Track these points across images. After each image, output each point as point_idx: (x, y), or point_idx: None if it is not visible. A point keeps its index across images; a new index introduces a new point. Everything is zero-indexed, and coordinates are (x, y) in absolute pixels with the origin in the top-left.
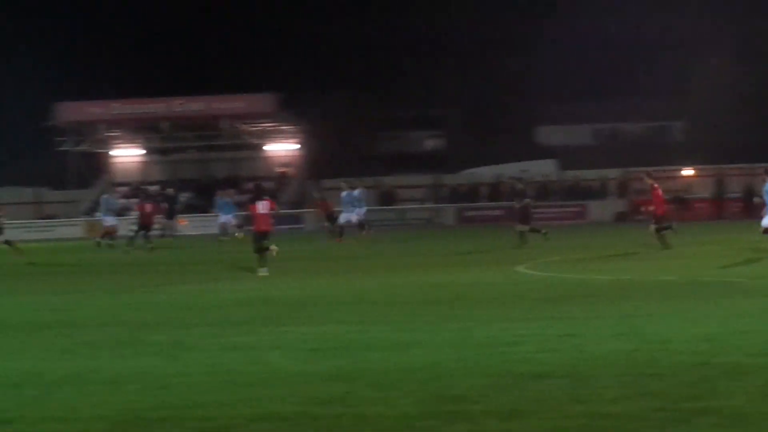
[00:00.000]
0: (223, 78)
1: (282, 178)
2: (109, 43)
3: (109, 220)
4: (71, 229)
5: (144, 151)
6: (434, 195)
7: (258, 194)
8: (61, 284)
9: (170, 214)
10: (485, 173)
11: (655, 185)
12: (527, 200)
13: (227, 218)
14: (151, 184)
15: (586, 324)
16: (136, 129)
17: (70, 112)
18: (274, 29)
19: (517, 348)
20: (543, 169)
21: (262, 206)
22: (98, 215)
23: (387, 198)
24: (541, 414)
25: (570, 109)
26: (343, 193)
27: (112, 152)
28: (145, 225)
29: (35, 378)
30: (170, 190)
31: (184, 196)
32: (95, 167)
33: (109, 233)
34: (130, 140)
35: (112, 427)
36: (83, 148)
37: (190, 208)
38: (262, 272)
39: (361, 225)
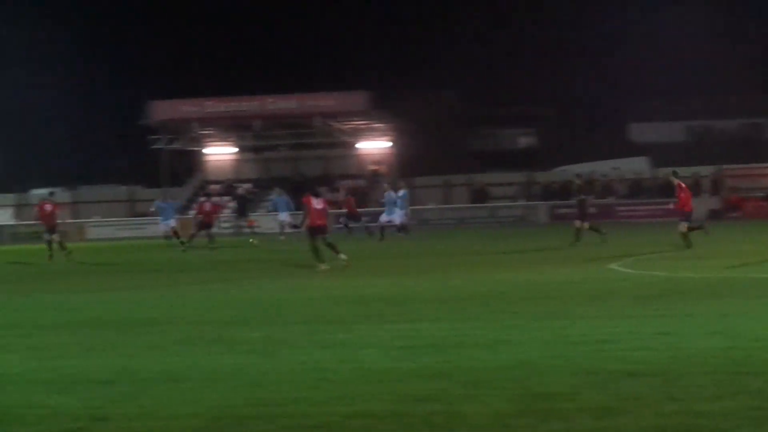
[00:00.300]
0: (316, 76)
1: (374, 176)
2: (202, 41)
3: (172, 222)
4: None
5: (236, 149)
6: (527, 192)
7: (314, 190)
8: (150, 281)
9: (240, 213)
10: (578, 171)
11: (682, 184)
12: (585, 197)
13: (284, 216)
14: (243, 182)
15: (680, 322)
16: (229, 127)
17: (164, 110)
18: (367, 27)
19: (611, 346)
20: (635, 166)
21: (317, 201)
22: (160, 220)
23: (479, 196)
24: (634, 412)
25: (663, 106)
26: (386, 194)
27: (204, 150)
28: (206, 224)
29: (128, 375)
30: (241, 190)
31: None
32: (188, 165)
33: (176, 234)
34: (223, 138)
35: (206, 424)
36: (176, 147)
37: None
38: (323, 267)
39: (402, 227)
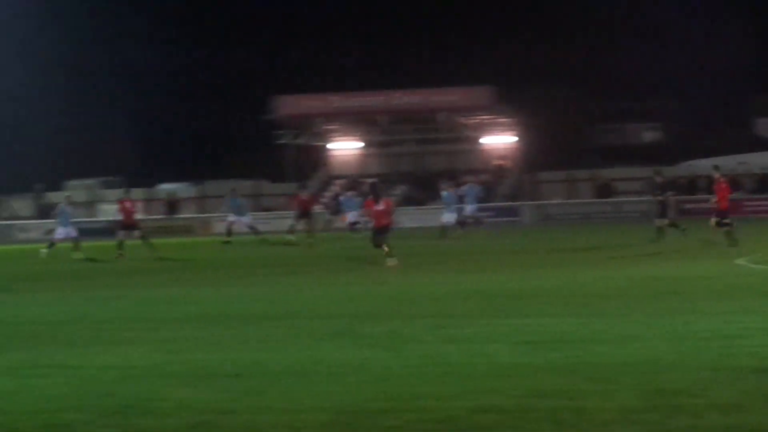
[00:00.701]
0: (441, 71)
1: (498, 171)
2: (328, 36)
3: (237, 219)
4: (289, 221)
5: (362, 144)
6: (652, 187)
7: (375, 192)
8: (275, 276)
9: (336, 210)
10: (704, 165)
11: (722, 179)
12: (666, 193)
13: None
14: (368, 176)
15: None
16: (354, 122)
17: (290, 105)
18: (491, 22)
19: (740, 341)
20: (763, 161)
21: (379, 203)
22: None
23: (604, 191)
24: (764, 409)
25: None
26: (444, 193)
27: (330, 145)
28: (304, 213)
29: (255, 369)
30: (337, 187)
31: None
32: (313, 160)
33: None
34: (348, 133)
35: (333, 418)
36: (302, 141)
37: (407, 201)
38: (391, 262)
39: (461, 222)
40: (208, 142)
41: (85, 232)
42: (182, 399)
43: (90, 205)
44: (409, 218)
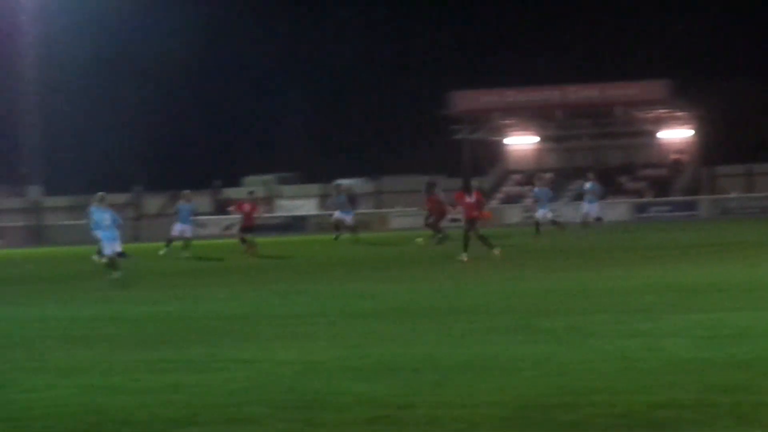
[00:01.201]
0: (617, 64)
1: (675, 165)
2: (503, 31)
3: (343, 215)
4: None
5: (537, 139)
6: None
7: (466, 186)
8: (446, 270)
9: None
10: None
11: None
12: None
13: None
14: (545, 171)
15: None
16: (530, 117)
17: (465, 100)
18: (667, 15)
19: None
20: None
21: (470, 196)
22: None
23: None
24: None
25: None
26: (535, 189)
27: (506, 140)
28: (437, 216)
29: (433, 363)
30: (475, 183)
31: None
32: (490, 155)
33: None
34: (524, 128)
35: (510, 414)
36: (478, 136)
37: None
38: (463, 257)
39: (598, 219)
40: (385, 137)
41: (263, 228)
42: (361, 393)
43: (268, 200)
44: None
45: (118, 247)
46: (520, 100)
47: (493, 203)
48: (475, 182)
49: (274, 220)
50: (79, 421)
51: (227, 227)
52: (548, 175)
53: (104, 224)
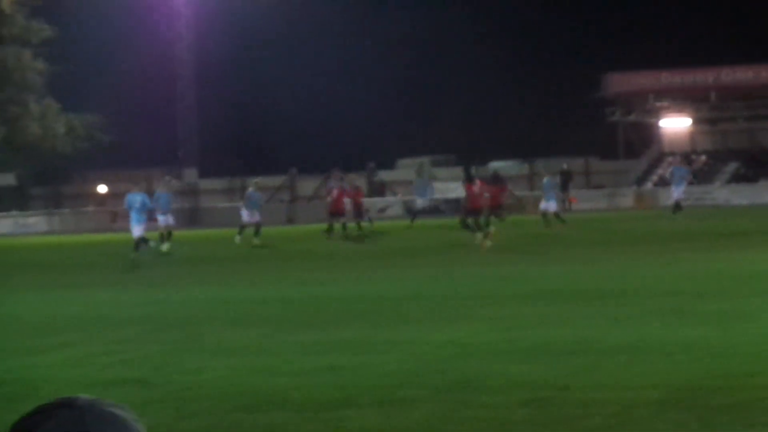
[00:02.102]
0: None
1: None
2: (658, 12)
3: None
4: (621, 199)
5: (691, 121)
6: None
7: (469, 176)
8: (612, 254)
9: (563, 189)
10: None
11: None
12: None
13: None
14: (699, 153)
15: None
16: (684, 99)
17: (620, 82)
18: None
19: None
20: None
21: (475, 186)
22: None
23: None
24: None
25: None
26: (673, 168)
27: (660, 122)
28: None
29: (588, 346)
30: (566, 165)
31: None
32: (644, 137)
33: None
34: (678, 110)
35: (664, 396)
36: (632, 119)
37: (738, 178)
38: (479, 239)
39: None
40: (539, 119)
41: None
42: (516, 375)
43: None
44: (739, 196)
45: (141, 232)
46: (675, 82)
47: (648, 186)
48: (473, 171)
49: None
50: (235, 401)
51: (381, 209)
52: (702, 158)
53: (136, 207)
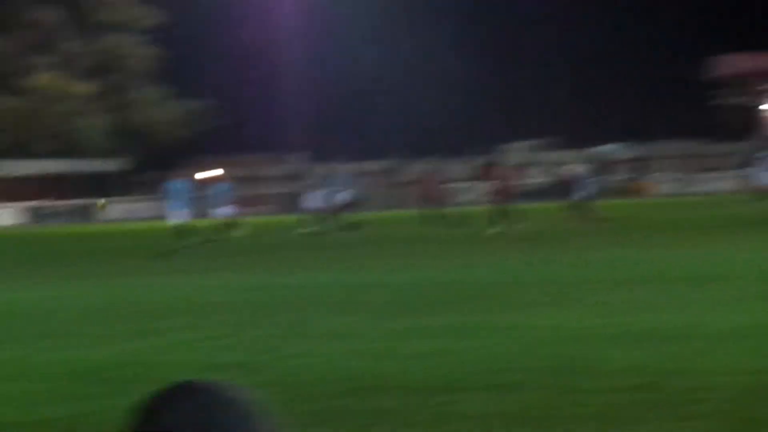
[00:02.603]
0: None
1: None
2: None
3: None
4: (725, 183)
5: None
6: None
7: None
8: (711, 237)
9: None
10: None
11: None
12: None
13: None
14: None
15: None
16: None
17: (729, 65)
18: None
19: None
20: None
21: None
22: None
23: None
24: None
25: None
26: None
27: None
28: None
29: (698, 330)
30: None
31: None
32: (753, 120)
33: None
34: None
35: None
36: (741, 101)
37: None
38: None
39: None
40: (645, 102)
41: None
42: (624, 360)
43: (527, 166)
44: None
45: (178, 218)
46: None
47: (751, 170)
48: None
49: (532, 186)
50: (342, 386)
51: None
52: None
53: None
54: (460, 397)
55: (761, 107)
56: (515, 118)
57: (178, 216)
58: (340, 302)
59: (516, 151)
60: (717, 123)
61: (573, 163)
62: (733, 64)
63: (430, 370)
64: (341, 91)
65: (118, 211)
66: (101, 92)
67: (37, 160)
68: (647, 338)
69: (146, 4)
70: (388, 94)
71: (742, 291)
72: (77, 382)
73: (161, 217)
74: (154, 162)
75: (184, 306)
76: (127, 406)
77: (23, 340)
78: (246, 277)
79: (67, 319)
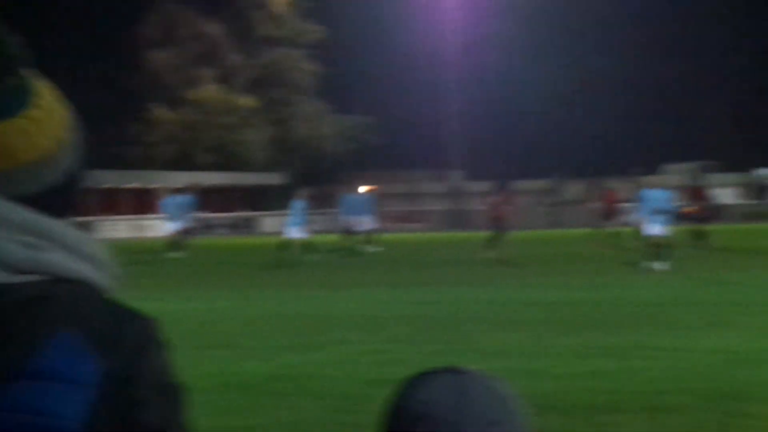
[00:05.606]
0: None
1: None
2: None
3: None
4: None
5: None
6: None
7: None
8: None
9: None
10: None
11: None
12: None
13: None
14: None
15: None
16: None
17: None
18: None
19: None
20: None
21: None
22: None
23: None
24: None
25: None
26: None
27: None
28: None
29: None
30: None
31: None
32: None
33: None
34: None
35: None
36: None
37: None
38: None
39: None
40: None
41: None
42: None
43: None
44: None
45: (296, 233)
46: None
47: None
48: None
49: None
50: None
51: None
52: None
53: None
54: (623, 419)
55: None
56: (675, 141)
57: (359, 224)
58: (502, 319)
59: (676, 173)
60: None
61: (724, 187)
62: None
63: (590, 390)
64: (498, 108)
65: (273, 225)
66: (263, 106)
67: (200, 172)
68: None
69: (310, 20)
70: (544, 113)
71: None
72: (229, 393)
73: (321, 232)
74: (311, 176)
75: (349, 319)
76: (279, 420)
77: (181, 350)
78: (413, 291)
79: (225, 331)
